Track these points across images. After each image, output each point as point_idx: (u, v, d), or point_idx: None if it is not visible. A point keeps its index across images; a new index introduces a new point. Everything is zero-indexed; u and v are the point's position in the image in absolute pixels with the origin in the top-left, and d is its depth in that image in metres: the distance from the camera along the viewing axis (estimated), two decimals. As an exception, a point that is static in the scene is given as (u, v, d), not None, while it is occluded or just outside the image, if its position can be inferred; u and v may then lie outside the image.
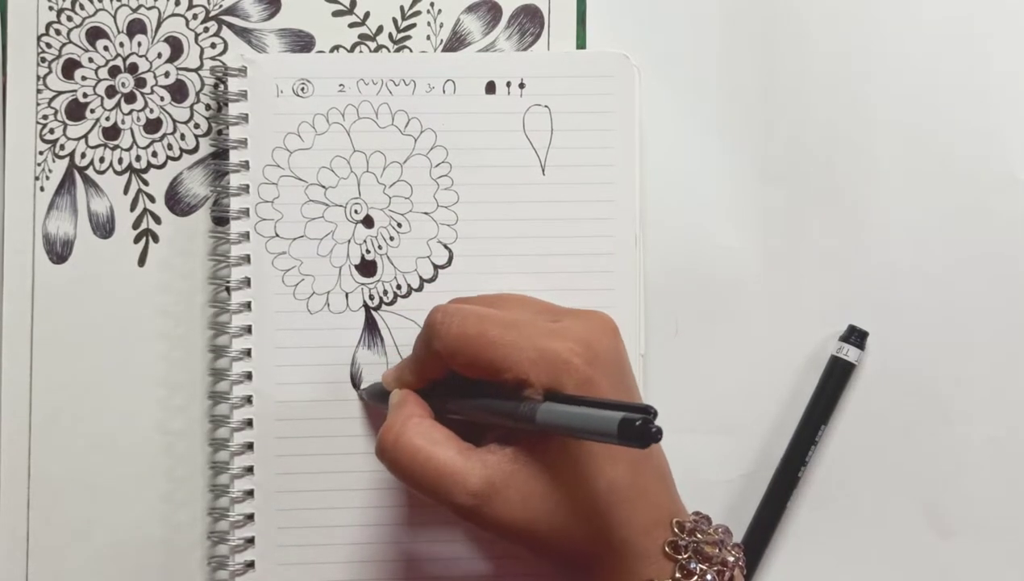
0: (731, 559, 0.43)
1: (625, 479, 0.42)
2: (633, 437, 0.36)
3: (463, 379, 0.44)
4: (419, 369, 0.46)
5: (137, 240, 0.52)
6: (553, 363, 0.41)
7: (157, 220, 0.52)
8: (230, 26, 0.53)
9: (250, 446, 0.50)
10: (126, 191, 0.53)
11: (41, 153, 0.52)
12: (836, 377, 0.52)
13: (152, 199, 0.53)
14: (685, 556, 0.42)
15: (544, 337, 0.42)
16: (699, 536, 0.43)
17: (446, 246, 0.52)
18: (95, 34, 0.53)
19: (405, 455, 0.43)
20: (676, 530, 0.43)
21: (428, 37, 0.53)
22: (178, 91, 0.53)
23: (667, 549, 0.42)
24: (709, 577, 0.42)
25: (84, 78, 0.53)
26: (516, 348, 0.42)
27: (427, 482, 0.42)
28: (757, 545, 0.52)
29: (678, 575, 0.42)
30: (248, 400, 0.51)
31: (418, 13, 0.53)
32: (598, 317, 0.45)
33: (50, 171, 0.52)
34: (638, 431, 0.36)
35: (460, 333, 0.43)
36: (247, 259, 0.51)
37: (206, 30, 0.53)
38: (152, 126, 0.53)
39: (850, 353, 0.52)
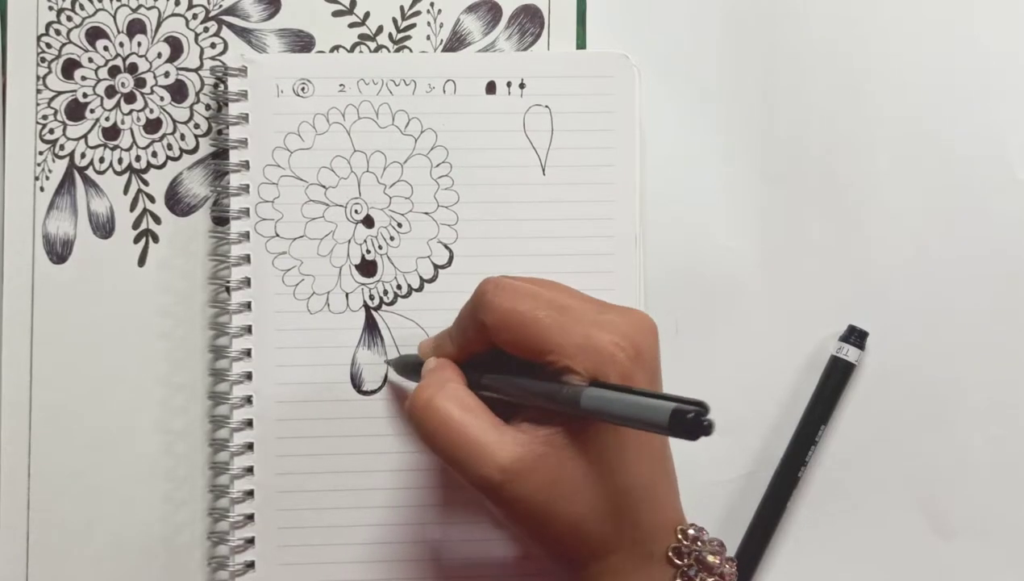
0: (727, 570, 0.43)
1: (643, 480, 0.42)
2: (684, 429, 0.35)
3: (502, 357, 0.43)
4: (462, 340, 0.46)
5: (137, 240, 0.52)
6: (598, 353, 0.41)
7: (157, 220, 0.52)
8: (230, 26, 0.53)
9: (250, 446, 0.50)
10: (126, 191, 0.53)
11: (41, 153, 0.52)
12: (836, 377, 0.52)
13: (152, 199, 0.53)
14: (687, 563, 0.42)
15: (592, 326, 0.42)
16: (700, 545, 0.43)
17: (446, 246, 0.52)
18: (95, 34, 0.53)
19: (436, 418, 0.42)
20: (680, 537, 0.43)
21: (428, 37, 0.53)
22: (178, 91, 0.53)
23: (670, 554, 0.42)
24: None
25: (84, 78, 0.53)
26: (564, 332, 0.41)
27: (455, 450, 0.42)
28: (757, 545, 0.52)
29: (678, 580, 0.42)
30: (248, 400, 0.51)
31: (418, 13, 0.53)
32: (642, 316, 0.44)
33: (50, 171, 0.52)
34: (691, 423, 0.35)
35: (511, 307, 0.42)
36: (247, 259, 0.51)
37: (206, 30, 0.53)
38: (152, 126, 0.53)
39: (850, 353, 0.52)
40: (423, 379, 0.45)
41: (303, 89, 0.51)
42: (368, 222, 0.52)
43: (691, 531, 0.43)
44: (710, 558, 0.42)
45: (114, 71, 0.53)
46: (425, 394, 0.43)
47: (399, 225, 0.52)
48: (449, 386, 0.43)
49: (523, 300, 0.42)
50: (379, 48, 0.53)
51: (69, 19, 0.53)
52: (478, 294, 0.44)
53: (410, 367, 0.49)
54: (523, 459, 0.41)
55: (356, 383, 0.51)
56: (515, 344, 0.42)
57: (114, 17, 0.53)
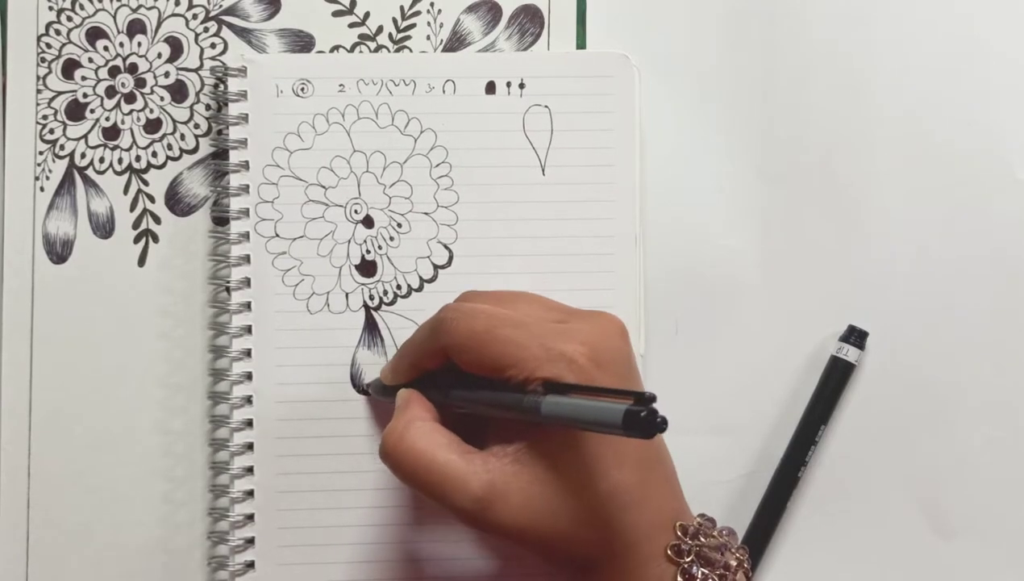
0: (734, 563, 0.43)
1: (631, 481, 0.42)
2: (637, 427, 0.36)
3: (467, 376, 0.44)
4: (417, 360, 0.46)
5: (137, 240, 0.52)
6: (557, 362, 0.41)
7: (157, 220, 0.52)
8: (230, 26, 0.53)
9: (250, 446, 0.50)
10: (126, 191, 0.53)
11: (41, 153, 0.52)
12: (836, 377, 0.52)
13: (152, 199, 0.53)
14: (688, 560, 0.42)
15: (551, 337, 0.42)
16: (702, 540, 0.42)
17: (446, 246, 0.52)
18: (95, 34, 0.53)
19: (407, 459, 0.43)
20: (679, 533, 0.42)
21: (428, 37, 0.53)
22: (178, 91, 0.53)
23: (669, 553, 0.42)
24: (714, 577, 0.42)
25: (84, 78, 0.53)
26: (523, 347, 0.42)
27: (429, 486, 0.42)
28: (757, 545, 0.52)
29: (680, 579, 0.42)
30: (248, 400, 0.51)
31: (418, 13, 0.53)
32: (606, 318, 0.44)
33: (50, 171, 0.52)
34: (643, 422, 0.35)
35: (468, 330, 0.43)
36: (247, 259, 0.51)
37: (206, 30, 0.53)
38: (152, 126, 0.53)
39: (850, 353, 0.52)
40: (393, 419, 0.45)
41: (303, 89, 0.51)
42: (368, 222, 0.52)
43: (692, 527, 0.43)
44: (711, 553, 0.42)
45: (114, 71, 0.53)
46: (393, 437, 0.43)
47: (399, 225, 0.52)
48: (414, 425, 0.44)
49: (481, 321, 0.43)
50: (379, 48, 0.53)
51: (69, 19, 0.53)
52: (438, 320, 0.45)
53: (384, 390, 0.49)
54: (493, 484, 0.41)
55: (356, 383, 0.51)
56: (477, 364, 0.43)
57: (114, 17, 0.53)
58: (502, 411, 0.42)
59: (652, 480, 0.43)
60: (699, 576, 0.42)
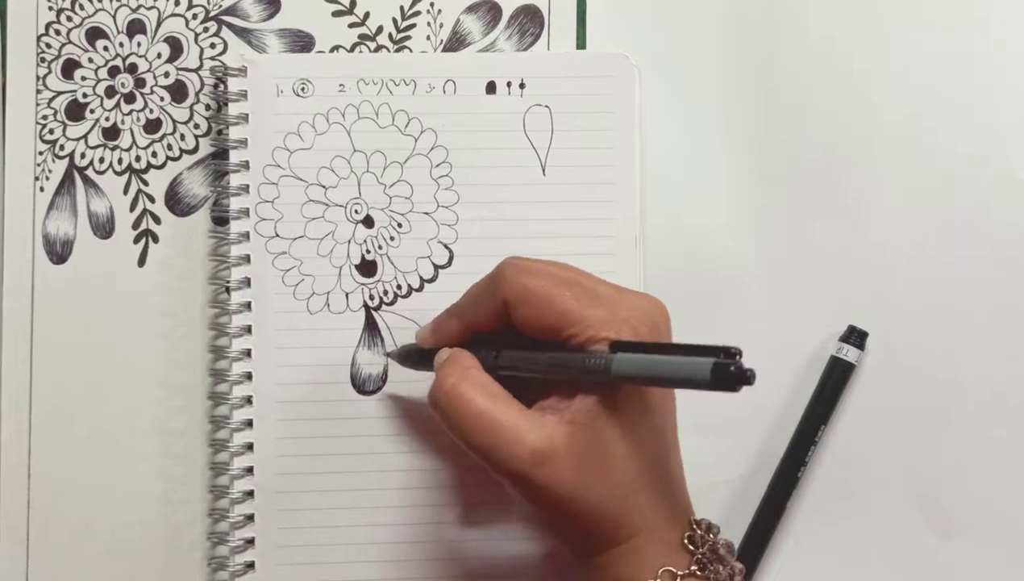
0: (738, 569, 0.43)
1: (661, 460, 0.42)
2: (727, 381, 0.35)
3: (511, 337, 0.44)
4: (472, 317, 0.46)
5: (137, 240, 0.52)
6: (620, 326, 0.41)
7: (157, 220, 0.52)
8: (230, 26, 0.53)
9: (250, 447, 0.50)
10: (126, 191, 0.53)
11: (41, 153, 0.52)
12: (836, 377, 0.52)
13: (152, 199, 0.53)
14: (702, 552, 0.42)
15: (612, 303, 0.42)
16: (712, 537, 0.43)
17: (446, 246, 0.52)
18: (95, 34, 0.53)
19: (461, 405, 0.42)
20: (695, 526, 0.43)
21: (428, 37, 0.53)
22: (178, 91, 0.53)
23: (685, 541, 0.42)
24: (723, 575, 0.42)
25: (84, 78, 0.53)
26: (585, 307, 0.42)
27: (483, 437, 0.41)
28: (757, 545, 0.52)
29: (695, 568, 0.41)
30: (248, 401, 0.51)
31: (418, 13, 0.53)
32: (657, 301, 0.44)
33: (50, 171, 0.52)
34: (733, 375, 0.35)
35: (531, 284, 0.43)
36: (247, 259, 0.51)
37: (206, 30, 0.53)
38: (152, 126, 0.53)
39: (850, 353, 0.52)
40: (442, 369, 0.44)
41: (303, 89, 0.51)
42: (368, 222, 0.52)
43: (705, 521, 0.43)
44: (721, 551, 0.42)
45: (114, 71, 0.53)
46: (448, 382, 0.42)
47: (399, 225, 0.52)
48: (471, 373, 0.43)
49: (543, 278, 0.43)
50: (379, 48, 0.53)
51: (69, 19, 0.53)
52: (497, 272, 0.44)
53: (412, 356, 0.49)
54: (552, 441, 0.41)
55: (356, 383, 0.51)
56: (535, 319, 0.42)
57: (114, 17, 0.53)
58: (560, 372, 0.42)
59: (677, 465, 0.43)
60: (712, 569, 0.42)
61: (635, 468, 0.42)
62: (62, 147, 0.52)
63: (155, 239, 0.52)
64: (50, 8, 0.52)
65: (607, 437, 0.41)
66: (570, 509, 0.41)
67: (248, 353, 0.51)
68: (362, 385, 0.51)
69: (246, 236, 0.51)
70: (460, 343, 0.46)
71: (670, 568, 0.41)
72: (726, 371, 0.35)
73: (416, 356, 0.48)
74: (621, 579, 0.42)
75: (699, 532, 0.42)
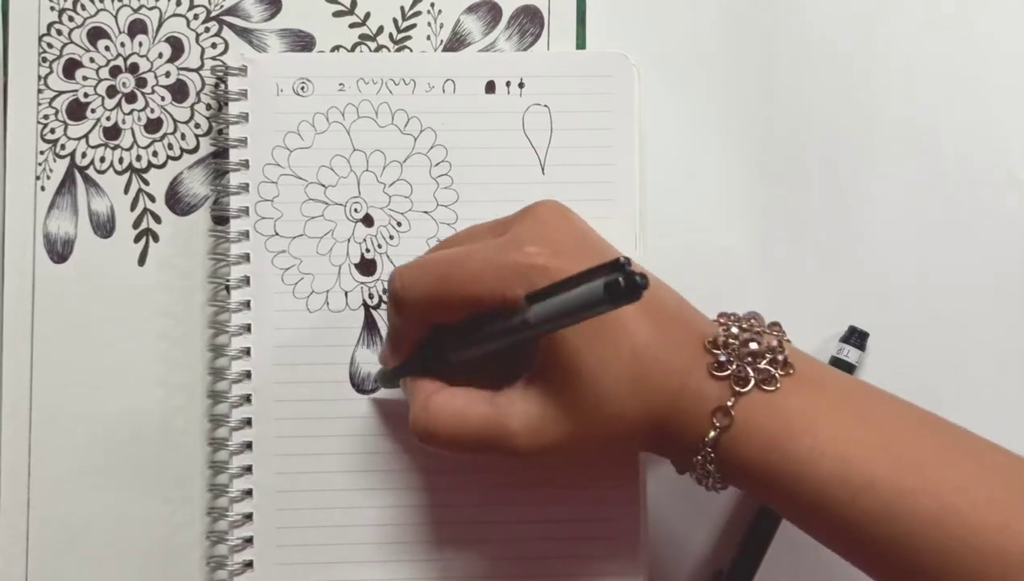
0: (775, 342, 0.43)
1: (642, 336, 0.42)
2: (622, 295, 0.35)
3: (453, 326, 0.44)
4: (403, 340, 0.46)
5: (137, 240, 0.52)
6: (522, 273, 0.41)
7: (157, 219, 0.53)
8: (231, 26, 0.53)
9: (249, 445, 0.50)
10: (126, 191, 0.53)
11: (42, 153, 0.52)
12: (836, 377, 0.52)
13: (152, 199, 0.53)
14: (733, 367, 0.42)
15: (501, 253, 0.42)
16: (733, 341, 0.42)
17: (446, 245, 0.52)
18: (96, 34, 0.53)
19: (444, 432, 0.43)
20: (711, 349, 0.42)
21: (428, 37, 0.53)
22: (179, 91, 0.53)
23: (714, 373, 0.42)
24: (764, 367, 0.42)
25: (85, 78, 0.53)
26: (481, 276, 0.42)
27: (475, 444, 0.43)
28: (757, 546, 0.52)
29: (736, 388, 0.41)
30: (247, 399, 0.51)
31: (418, 13, 0.54)
32: (538, 208, 0.44)
33: (51, 171, 0.52)
34: (626, 287, 0.35)
35: (424, 290, 0.43)
36: (247, 258, 0.51)
37: (207, 30, 0.53)
38: (153, 126, 0.53)
39: (850, 354, 0.52)
40: (410, 407, 0.45)
41: (303, 88, 0.52)
42: (367, 221, 0.52)
43: (720, 337, 0.43)
44: (751, 346, 0.42)
45: (115, 71, 0.53)
46: (420, 423, 0.44)
47: (398, 224, 0.52)
48: (431, 401, 0.44)
49: (431, 273, 0.43)
50: (379, 48, 0.53)
51: (71, 19, 0.53)
52: (391, 295, 0.44)
53: (390, 377, 0.49)
54: (527, 411, 0.42)
55: (355, 382, 0.51)
56: (451, 312, 0.43)
57: (115, 17, 0.53)
58: (500, 341, 0.42)
59: (661, 318, 0.43)
60: (751, 374, 0.42)
61: (623, 369, 0.41)
62: (63, 146, 0.53)
63: (155, 238, 0.53)
64: (52, 8, 0.53)
65: (579, 368, 0.41)
66: (589, 437, 0.42)
67: (247, 351, 0.51)
68: (361, 384, 0.51)
69: (246, 235, 0.51)
70: (420, 342, 0.46)
71: (718, 406, 0.42)
72: (617, 287, 0.35)
73: (392, 375, 0.49)
74: (682, 448, 0.43)
75: (720, 351, 0.42)
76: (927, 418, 0.43)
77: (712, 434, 0.41)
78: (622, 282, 0.35)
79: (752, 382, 0.42)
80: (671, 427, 0.42)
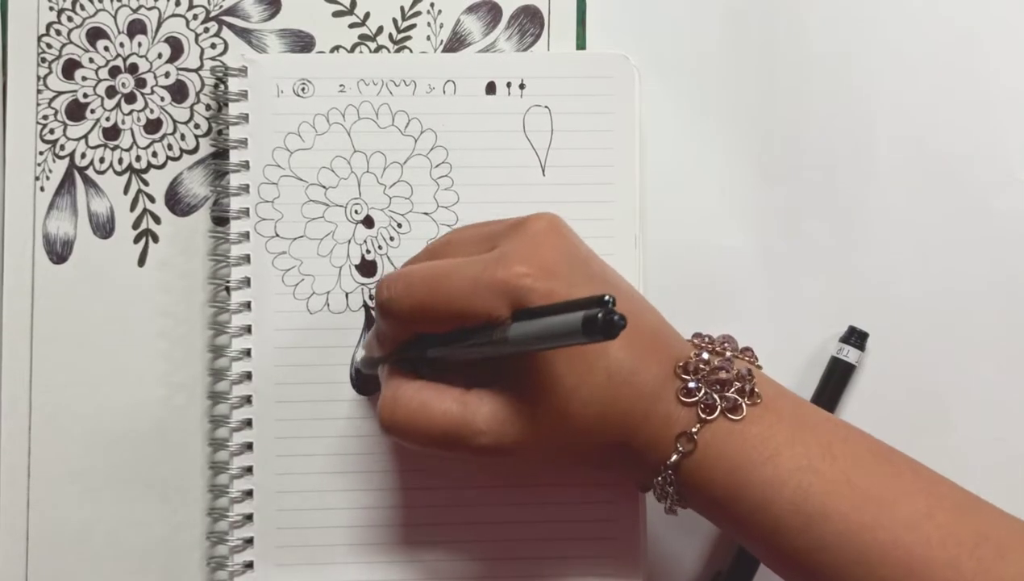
0: (744, 370, 0.43)
1: (617, 360, 0.42)
2: (598, 331, 0.36)
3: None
4: (387, 339, 0.46)
5: (137, 240, 0.52)
6: (508, 292, 0.41)
7: (157, 220, 0.53)
8: (230, 26, 0.53)
9: (249, 446, 0.50)
10: (126, 191, 0.53)
11: (41, 153, 0.52)
12: (836, 378, 0.52)
13: (152, 199, 0.53)
14: (701, 395, 0.42)
15: (488, 271, 0.42)
16: (704, 367, 0.43)
17: (446, 246, 0.52)
18: (95, 34, 0.53)
19: (407, 423, 0.43)
20: (682, 376, 0.43)
21: (428, 38, 0.53)
22: (178, 91, 0.53)
23: (683, 399, 0.42)
24: (731, 395, 0.42)
25: (84, 78, 0.53)
26: (468, 293, 0.41)
27: (438, 438, 0.43)
28: (757, 546, 0.52)
29: (702, 415, 0.42)
30: (247, 400, 0.51)
31: (418, 14, 0.54)
32: (531, 224, 0.44)
33: (50, 171, 0.52)
34: (602, 325, 0.35)
35: (411, 302, 0.43)
36: (247, 259, 0.51)
37: (206, 31, 0.53)
38: (152, 126, 0.53)
39: (850, 354, 0.52)
40: (380, 396, 0.45)
41: (303, 89, 0.51)
42: (368, 222, 0.52)
43: (691, 363, 0.43)
44: (721, 375, 0.42)
45: (114, 71, 0.53)
46: (387, 410, 0.44)
47: (399, 225, 0.52)
48: (400, 390, 0.44)
49: (419, 287, 0.43)
50: (379, 49, 0.53)
51: (70, 19, 0.53)
52: (378, 304, 0.44)
53: (372, 364, 0.49)
54: (495, 412, 0.42)
55: (355, 383, 0.51)
56: (436, 325, 0.43)
57: (115, 17, 0.53)
58: (480, 351, 0.42)
59: (639, 344, 0.43)
60: (717, 402, 0.42)
61: (596, 389, 0.42)
62: (62, 147, 0.52)
63: (155, 239, 0.52)
64: (51, 8, 0.52)
65: (553, 382, 0.41)
66: (554, 448, 0.43)
67: (248, 352, 0.51)
68: (361, 385, 0.51)
69: (246, 236, 0.51)
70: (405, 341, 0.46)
71: (682, 431, 0.42)
72: (595, 322, 0.36)
73: (373, 363, 0.49)
74: (644, 468, 0.43)
75: (689, 377, 0.42)
76: (888, 453, 0.43)
77: (674, 458, 0.42)
78: (600, 319, 0.36)
79: (719, 410, 0.42)
80: (634, 447, 0.43)
